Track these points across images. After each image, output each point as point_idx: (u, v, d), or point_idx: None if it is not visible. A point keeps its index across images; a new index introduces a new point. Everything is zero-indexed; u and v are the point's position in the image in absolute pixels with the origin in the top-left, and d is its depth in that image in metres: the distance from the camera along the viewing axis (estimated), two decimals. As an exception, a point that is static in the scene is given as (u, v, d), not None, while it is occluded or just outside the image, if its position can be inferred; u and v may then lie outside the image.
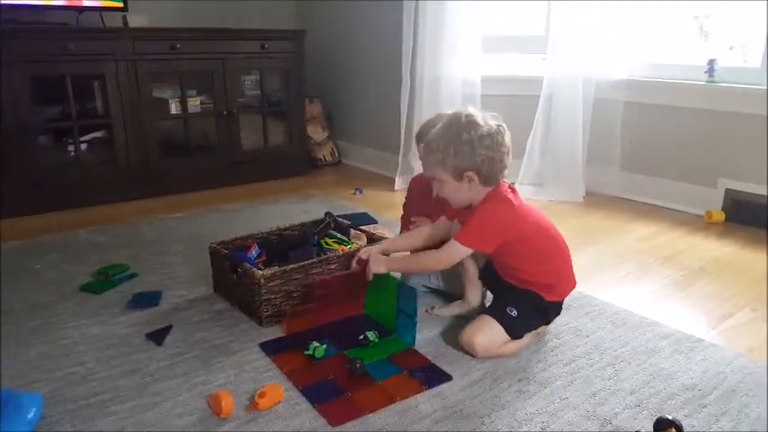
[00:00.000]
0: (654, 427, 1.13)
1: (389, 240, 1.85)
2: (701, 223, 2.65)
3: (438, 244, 1.65)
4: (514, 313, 1.54)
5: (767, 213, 2.49)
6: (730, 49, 2.68)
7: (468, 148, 1.48)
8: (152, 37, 2.97)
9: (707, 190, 2.73)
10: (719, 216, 2.63)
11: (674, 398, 1.37)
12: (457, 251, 1.56)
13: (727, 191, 2.65)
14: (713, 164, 2.70)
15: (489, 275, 1.70)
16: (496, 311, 1.57)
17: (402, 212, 2.09)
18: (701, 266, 2.19)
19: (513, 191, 1.58)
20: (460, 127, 1.48)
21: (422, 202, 1.89)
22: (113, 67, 2.86)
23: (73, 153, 2.91)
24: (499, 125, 1.51)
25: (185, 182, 3.16)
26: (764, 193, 2.52)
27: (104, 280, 2.01)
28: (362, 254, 1.70)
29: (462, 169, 1.50)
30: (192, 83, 3.21)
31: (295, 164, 3.56)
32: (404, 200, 2.11)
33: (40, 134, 2.80)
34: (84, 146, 2.95)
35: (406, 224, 1.99)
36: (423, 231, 1.76)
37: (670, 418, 1.12)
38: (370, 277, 1.64)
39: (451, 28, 2.99)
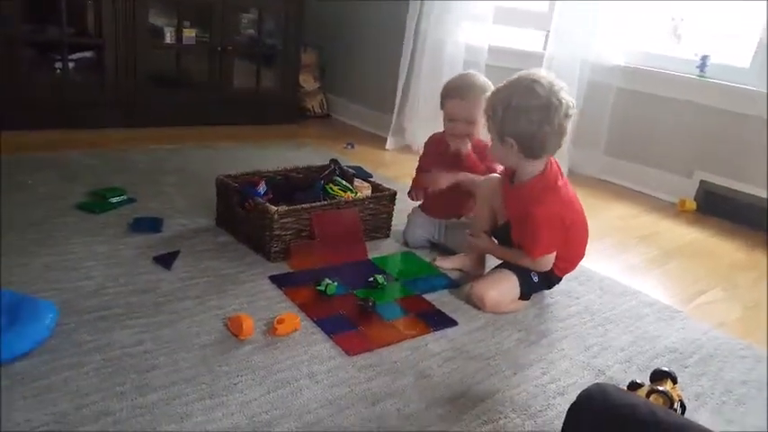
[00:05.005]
0: (650, 377, 1.23)
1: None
2: (674, 210, 2.81)
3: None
4: (536, 279, 1.62)
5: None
6: (695, 55, 2.79)
7: (513, 116, 1.43)
8: (154, -40, 2.86)
9: (682, 180, 2.88)
10: (692, 205, 2.79)
11: (659, 357, 1.49)
12: (544, 261, 1.59)
13: (702, 182, 2.81)
14: (691, 155, 2.85)
15: (504, 243, 1.72)
16: (519, 269, 1.62)
17: (415, 174, 2.05)
18: (675, 248, 2.33)
19: (559, 169, 1.58)
20: (516, 91, 1.44)
21: (438, 162, 1.91)
22: (110, -14, 2.75)
23: (59, 71, 2.79)
24: (561, 101, 1.43)
25: (173, 115, 3.08)
26: (736, 187, 2.69)
27: (101, 201, 1.98)
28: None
29: (504, 133, 1.48)
30: (188, 14, 3.11)
31: (284, 111, 3.51)
32: (418, 162, 2.06)
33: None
34: (71, 65, 2.83)
35: (420, 185, 1.98)
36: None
37: (666, 369, 1.22)
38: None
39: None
